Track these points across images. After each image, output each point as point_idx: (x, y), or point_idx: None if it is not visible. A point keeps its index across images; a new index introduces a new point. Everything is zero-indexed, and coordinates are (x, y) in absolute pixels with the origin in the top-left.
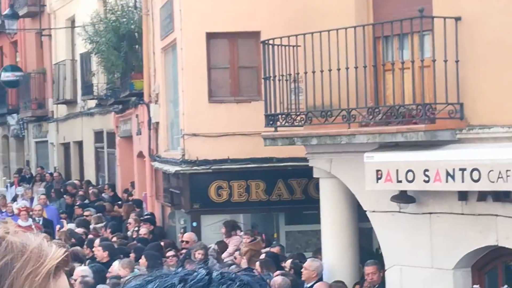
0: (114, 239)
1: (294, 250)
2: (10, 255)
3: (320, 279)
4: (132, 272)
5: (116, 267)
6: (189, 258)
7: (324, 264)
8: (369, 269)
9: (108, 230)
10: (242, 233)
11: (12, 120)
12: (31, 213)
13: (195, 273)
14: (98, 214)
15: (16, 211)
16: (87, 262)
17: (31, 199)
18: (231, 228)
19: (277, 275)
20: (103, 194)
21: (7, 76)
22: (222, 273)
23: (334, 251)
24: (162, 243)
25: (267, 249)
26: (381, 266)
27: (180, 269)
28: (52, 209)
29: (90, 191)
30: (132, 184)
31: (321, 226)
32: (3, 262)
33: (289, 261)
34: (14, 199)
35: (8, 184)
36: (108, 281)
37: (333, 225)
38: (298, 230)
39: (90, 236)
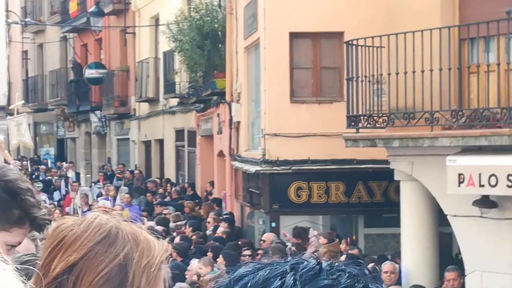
0: (194, 237)
1: (372, 253)
2: (128, 245)
3: (398, 283)
4: (211, 271)
5: (196, 265)
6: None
7: (403, 268)
8: (450, 275)
9: (189, 229)
10: (316, 232)
11: (94, 117)
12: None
13: (306, 262)
14: (177, 213)
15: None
16: (170, 259)
17: (114, 198)
18: (304, 233)
19: None
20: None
21: (91, 73)
22: (331, 264)
23: (414, 255)
24: (239, 243)
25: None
26: (461, 272)
27: (290, 258)
28: (135, 208)
29: (172, 190)
30: (211, 183)
31: (401, 229)
32: (124, 253)
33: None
34: (99, 196)
35: (93, 183)
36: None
37: (413, 228)
38: (377, 233)
39: (174, 234)
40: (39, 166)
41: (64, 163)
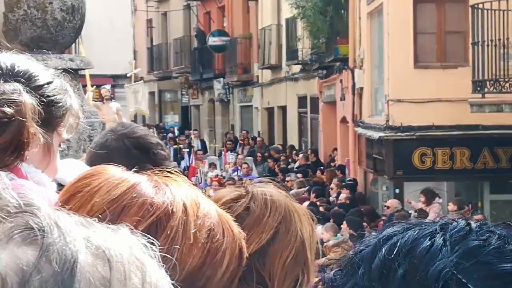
0: (318, 203)
1: (498, 220)
2: (297, 220)
3: None
4: (335, 236)
5: (319, 231)
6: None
7: None
8: None
9: (313, 195)
10: (441, 200)
11: (218, 84)
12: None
13: (455, 222)
14: (301, 179)
15: (208, 181)
16: None
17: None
18: (431, 196)
19: None
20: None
21: (214, 41)
22: (481, 224)
23: None
24: (361, 209)
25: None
26: None
27: (438, 219)
28: (254, 178)
29: (300, 156)
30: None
31: None
32: (299, 229)
33: None
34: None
35: (222, 152)
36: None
37: None
38: (503, 199)
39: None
40: (165, 134)
41: (191, 131)
